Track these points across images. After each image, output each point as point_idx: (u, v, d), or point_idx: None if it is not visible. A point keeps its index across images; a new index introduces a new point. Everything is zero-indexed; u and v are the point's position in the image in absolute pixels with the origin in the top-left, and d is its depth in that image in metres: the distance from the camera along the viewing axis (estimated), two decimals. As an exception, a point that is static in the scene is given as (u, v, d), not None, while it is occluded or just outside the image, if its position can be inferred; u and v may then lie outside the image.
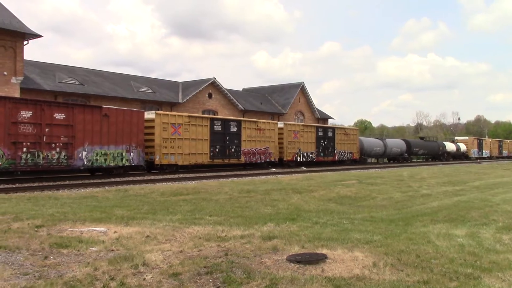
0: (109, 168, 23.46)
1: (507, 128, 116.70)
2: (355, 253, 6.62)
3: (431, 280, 5.45)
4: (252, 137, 32.58)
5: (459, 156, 66.10)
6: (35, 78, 34.26)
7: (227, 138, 30.61)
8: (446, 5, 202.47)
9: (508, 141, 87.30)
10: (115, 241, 7.47)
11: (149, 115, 26.15)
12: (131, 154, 24.14)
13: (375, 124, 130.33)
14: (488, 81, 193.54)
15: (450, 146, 64.36)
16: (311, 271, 5.71)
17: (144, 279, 5.41)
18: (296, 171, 31.02)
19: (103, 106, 24.10)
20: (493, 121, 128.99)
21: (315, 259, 6.15)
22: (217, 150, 29.82)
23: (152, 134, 25.74)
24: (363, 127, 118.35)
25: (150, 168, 26.52)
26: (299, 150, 37.23)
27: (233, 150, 31.05)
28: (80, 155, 21.67)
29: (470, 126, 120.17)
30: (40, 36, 30.31)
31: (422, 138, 64.89)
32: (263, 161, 33.57)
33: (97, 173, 23.92)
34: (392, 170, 34.61)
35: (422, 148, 58.30)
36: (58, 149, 20.71)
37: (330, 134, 41.39)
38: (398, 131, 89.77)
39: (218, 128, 29.98)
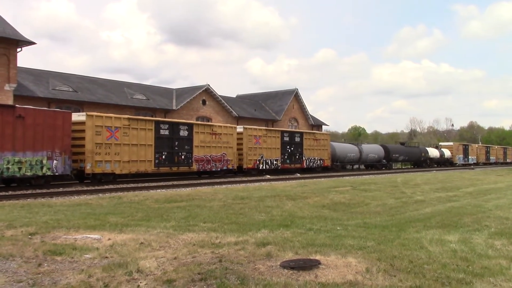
0: (25, 178, 20.29)
1: (500, 134, 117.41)
2: (348, 259, 6.66)
3: (424, 285, 5.49)
4: (206, 143, 29.66)
5: (443, 163, 63.96)
6: (28, 85, 34.18)
7: (176, 143, 27.64)
8: (441, 12, 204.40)
9: (496, 147, 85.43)
10: (109, 248, 7.47)
11: (79, 116, 23.23)
12: (54, 161, 21.04)
13: (369, 130, 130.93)
14: (482, 87, 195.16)
15: (433, 152, 62.12)
16: (305, 277, 5.73)
17: (138, 286, 5.41)
18: (290, 178, 31.03)
19: (17, 105, 20.95)
20: (486, 127, 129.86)
21: (309, 265, 6.18)
22: (163, 157, 26.87)
23: (83, 138, 22.63)
24: (357, 134, 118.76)
25: (81, 178, 23.61)
26: (262, 157, 34.39)
27: (183, 157, 28.06)
28: (-15, 164, 18.71)
29: (463, 132, 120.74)
30: (34, 43, 30.29)
31: (403, 144, 61.76)
32: (219, 169, 30.70)
33: (12, 184, 20.67)
34: (386, 176, 34.72)
35: (402, 154, 55.63)
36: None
37: (297, 139, 38.59)
38: (392, 138, 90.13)
39: (165, 132, 27.05)
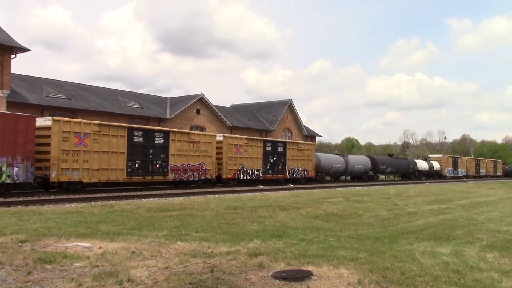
0: None
1: (493, 147, 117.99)
2: (340, 270, 6.64)
3: (416, 297, 5.49)
4: (183, 151, 28.29)
5: (432, 175, 62.82)
6: (21, 92, 34.06)
7: (151, 151, 26.33)
8: (435, 26, 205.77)
9: (486, 160, 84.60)
10: (100, 257, 7.41)
11: (44, 121, 21.98)
12: (15, 169, 19.78)
13: (362, 142, 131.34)
14: (475, 101, 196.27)
15: (422, 164, 61.01)
16: (297, 288, 5.72)
17: (129, 295, 5.37)
18: (283, 188, 31.01)
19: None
20: (479, 141, 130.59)
21: (301, 276, 6.16)
22: (136, 165, 25.51)
23: (48, 145, 21.39)
24: (351, 145, 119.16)
25: (46, 187, 22.34)
26: (242, 167, 32.90)
27: (158, 165, 26.68)
28: None
29: (456, 145, 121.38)
30: (29, 50, 30.27)
31: (391, 155, 60.31)
32: (196, 179, 29.27)
33: None
34: (379, 188, 34.77)
35: (390, 166, 54.05)
36: None
37: (280, 149, 37.14)
38: (384, 149, 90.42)
39: (138, 139, 25.72)
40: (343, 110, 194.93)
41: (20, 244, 8.39)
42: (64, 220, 12.33)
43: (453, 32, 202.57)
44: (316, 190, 30.57)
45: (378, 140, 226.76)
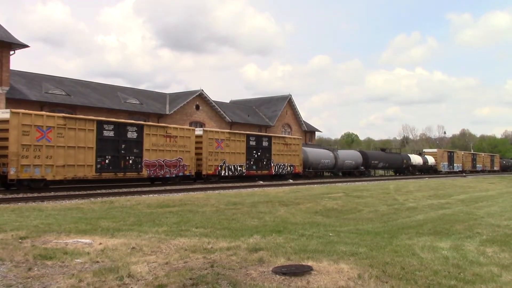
0: None
1: (492, 142, 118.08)
2: (340, 265, 6.65)
3: (415, 292, 5.50)
4: (159, 146, 26.73)
5: (427, 170, 61.73)
6: (21, 88, 34.04)
7: (123, 146, 24.68)
8: (435, 20, 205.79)
9: (483, 154, 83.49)
10: (100, 253, 7.42)
11: (2, 114, 20.57)
12: None
13: (362, 137, 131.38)
14: (475, 95, 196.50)
15: (416, 159, 59.94)
16: (297, 283, 5.72)
17: (129, 290, 5.38)
18: (283, 184, 31.02)
19: None
20: (478, 135, 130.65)
21: (301, 271, 6.17)
22: (107, 161, 23.91)
23: (6, 139, 19.93)
24: (350, 140, 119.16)
25: (5, 185, 20.68)
26: (224, 162, 31.44)
27: (131, 161, 25.13)
28: None
29: (455, 140, 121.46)
30: (27, 46, 30.21)
31: (383, 150, 58.70)
32: (173, 176, 27.71)
33: None
34: (379, 183, 34.81)
35: (382, 160, 52.58)
36: None
37: (265, 143, 35.58)
38: (384, 144, 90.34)
39: (109, 133, 24.08)
40: (342, 106, 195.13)
41: (20, 240, 8.40)
42: (64, 217, 12.35)
43: (453, 26, 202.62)
44: (316, 185, 30.60)
45: (378, 135, 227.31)
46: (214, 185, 27.68)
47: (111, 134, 24.23)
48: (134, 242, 8.36)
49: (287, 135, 40.33)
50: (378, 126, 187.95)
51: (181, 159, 28.19)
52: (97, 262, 6.84)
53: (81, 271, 6.26)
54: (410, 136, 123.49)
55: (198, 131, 30.25)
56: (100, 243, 8.21)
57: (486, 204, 19.14)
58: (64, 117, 22.20)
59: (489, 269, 6.80)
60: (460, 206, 18.07)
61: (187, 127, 30.96)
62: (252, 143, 34.34)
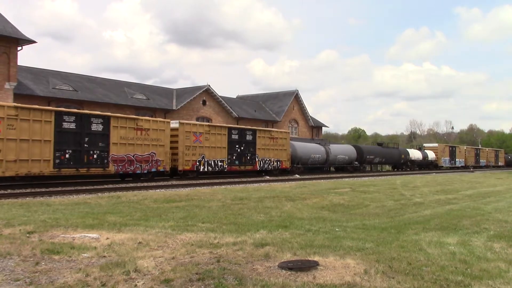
0: None
1: (500, 137, 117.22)
2: (346, 260, 6.64)
3: (422, 287, 5.49)
4: (128, 139, 24.72)
5: (427, 165, 60.07)
6: (28, 84, 34.21)
7: (86, 139, 22.77)
8: (443, 15, 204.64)
9: (487, 149, 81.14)
10: (107, 248, 7.45)
11: None
12: None
13: (369, 132, 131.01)
14: (483, 90, 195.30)
15: (415, 154, 58.15)
16: (303, 278, 5.72)
17: (136, 285, 5.40)
18: (290, 179, 31.02)
19: None
20: (486, 130, 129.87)
21: (307, 266, 6.16)
22: (67, 155, 21.98)
23: None
24: (357, 135, 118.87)
25: None
26: (203, 157, 29.43)
27: (95, 156, 23.19)
28: None
29: (463, 135, 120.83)
30: (35, 42, 30.30)
31: (380, 144, 56.29)
32: (145, 171, 25.80)
33: None
34: (386, 178, 34.72)
35: (379, 155, 50.49)
36: None
37: (249, 137, 33.46)
38: (391, 139, 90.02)
39: (70, 125, 22.10)
40: (350, 101, 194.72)
41: (28, 235, 8.45)
42: (72, 211, 12.41)
43: (462, 21, 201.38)
44: (322, 180, 30.58)
45: (385, 130, 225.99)
46: (221, 180, 27.70)
47: (72, 126, 22.28)
48: (141, 237, 8.38)
49: (274, 129, 37.97)
50: (386, 122, 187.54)
51: (154, 153, 26.29)
52: (104, 256, 6.86)
53: (88, 265, 6.29)
54: (418, 132, 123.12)
55: (174, 124, 28.53)
56: (107, 238, 8.24)
57: (493, 200, 19.02)
58: (16, 107, 20.32)
59: (497, 265, 6.76)
60: (468, 202, 17.98)
61: (160, 119, 28.89)
62: (235, 136, 32.38)
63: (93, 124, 23.20)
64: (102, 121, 23.59)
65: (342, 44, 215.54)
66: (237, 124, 44.19)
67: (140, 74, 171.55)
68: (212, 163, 30.31)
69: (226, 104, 50.22)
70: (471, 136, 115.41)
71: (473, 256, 7.35)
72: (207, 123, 32.31)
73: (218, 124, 34.96)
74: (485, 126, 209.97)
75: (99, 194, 18.42)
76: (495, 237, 9.36)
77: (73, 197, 17.02)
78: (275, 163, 35.84)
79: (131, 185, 23.07)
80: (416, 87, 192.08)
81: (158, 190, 20.56)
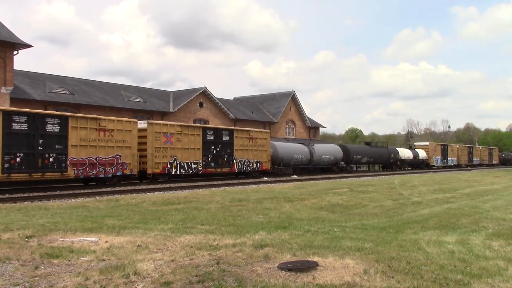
0: None
1: (497, 135, 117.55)
2: (346, 260, 6.65)
3: (421, 286, 5.49)
4: (90, 141, 22.83)
5: (418, 165, 59.13)
6: (25, 88, 34.14)
7: (41, 142, 20.93)
8: (440, 14, 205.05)
9: (480, 147, 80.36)
10: (106, 251, 7.44)
11: None
12: None
13: (366, 132, 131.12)
14: (480, 89, 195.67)
15: (405, 153, 57.00)
16: (303, 278, 5.72)
17: (136, 288, 5.39)
18: (288, 180, 31.03)
19: None
20: (483, 129, 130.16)
21: (307, 267, 6.16)
22: (18, 159, 20.08)
23: None
24: (354, 135, 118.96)
25: None
26: (175, 159, 27.69)
27: (51, 159, 21.30)
28: None
29: (460, 134, 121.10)
30: (30, 46, 30.23)
31: (368, 144, 54.80)
32: (110, 175, 23.95)
33: None
34: (383, 178, 34.76)
35: (367, 155, 49.16)
36: None
37: (226, 137, 31.74)
38: (388, 139, 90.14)
39: (20, 126, 20.24)
40: (347, 101, 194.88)
41: (27, 239, 8.43)
42: (70, 215, 12.39)
43: (458, 20, 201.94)
44: (320, 181, 30.61)
45: (383, 130, 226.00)
46: (219, 182, 27.69)
47: (24, 127, 20.40)
48: (140, 239, 8.37)
49: (252, 129, 36.55)
50: (383, 121, 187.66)
51: (120, 156, 24.36)
52: (103, 260, 6.85)
53: (88, 269, 6.28)
54: (415, 131, 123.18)
55: (142, 124, 26.77)
56: (106, 241, 8.23)
57: (491, 198, 19.07)
58: None
59: (496, 263, 6.78)
60: (466, 200, 18.02)
61: (126, 119, 26.59)
62: (210, 137, 30.60)
63: (48, 125, 21.35)
64: (59, 121, 21.77)
65: (338, 45, 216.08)
66: (235, 126, 44.08)
67: (137, 77, 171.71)
68: (185, 166, 28.63)
69: (223, 106, 50.21)
70: (468, 135, 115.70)
71: (472, 254, 7.37)
72: (179, 123, 30.25)
73: (191, 124, 33.78)
74: (482, 124, 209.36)
75: (98, 197, 18.40)
76: (494, 235, 9.39)
77: (71, 201, 16.99)
78: (255, 165, 34.21)
79: (129, 188, 23.05)
80: (412, 87, 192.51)
81: (157, 192, 20.55)
